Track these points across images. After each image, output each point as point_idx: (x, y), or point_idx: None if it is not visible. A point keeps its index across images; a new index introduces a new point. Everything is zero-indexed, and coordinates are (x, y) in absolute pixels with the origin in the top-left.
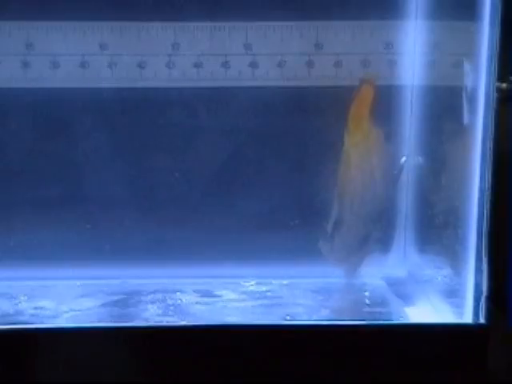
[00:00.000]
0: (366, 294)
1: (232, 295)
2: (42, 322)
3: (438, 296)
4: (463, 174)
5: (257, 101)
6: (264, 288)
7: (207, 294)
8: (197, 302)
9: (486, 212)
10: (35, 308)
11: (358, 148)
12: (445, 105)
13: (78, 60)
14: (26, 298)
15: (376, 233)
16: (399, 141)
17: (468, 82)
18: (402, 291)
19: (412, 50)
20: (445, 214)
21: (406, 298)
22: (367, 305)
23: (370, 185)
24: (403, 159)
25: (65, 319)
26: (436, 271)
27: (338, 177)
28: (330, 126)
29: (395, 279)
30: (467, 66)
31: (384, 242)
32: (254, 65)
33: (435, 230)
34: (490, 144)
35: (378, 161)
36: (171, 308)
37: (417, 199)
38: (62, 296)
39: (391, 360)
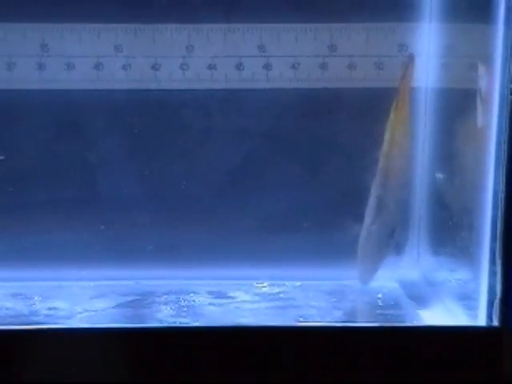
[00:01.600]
0: (379, 296)
1: (245, 297)
2: (56, 323)
3: (451, 298)
4: (477, 175)
5: (270, 102)
6: (277, 290)
7: (220, 295)
8: (210, 304)
9: (500, 214)
10: (49, 309)
11: (404, 125)
12: (459, 107)
13: (93, 62)
14: (40, 298)
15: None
16: (413, 143)
17: (482, 84)
18: (416, 293)
19: (426, 53)
20: (459, 215)
21: (420, 300)
22: (380, 307)
23: (408, 166)
24: None
25: (79, 320)
26: (450, 273)
27: (381, 155)
28: (343, 128)
29: (409, 281)
30: (482, 69)
31: (398, 244)
32: (267, 66)
33: (449, 231)
34: (504, 146)
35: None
36: (184, 309)
37: (431, 201)
38: (76, 297)
39: (404, 362)
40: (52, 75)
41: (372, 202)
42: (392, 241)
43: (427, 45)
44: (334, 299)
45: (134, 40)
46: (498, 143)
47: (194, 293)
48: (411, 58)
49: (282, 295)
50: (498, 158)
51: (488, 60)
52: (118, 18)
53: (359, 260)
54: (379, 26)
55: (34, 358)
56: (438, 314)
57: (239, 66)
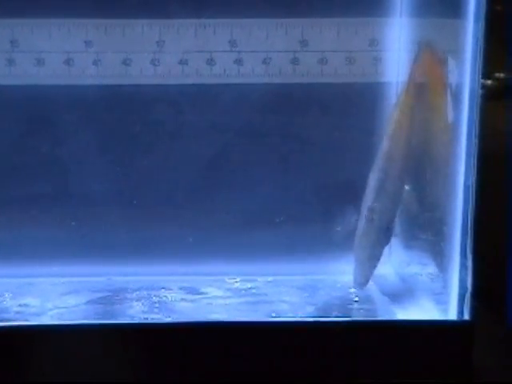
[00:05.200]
0: (352, 290)
1: (217, 292)
2: (27, 320)
3: (423, 293)
4: (448, 170)
5: (242, 98)
6: (249, 285)
7: (192, 291)
8: (182, 299)
9: (470, 209)
10: (20, 305)
11: (412, 112)
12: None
13: (63, 57)
14: (10, 295)
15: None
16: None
17: (453, 78)
18: (388, 288)
19: (397, 47)
20: (430, 210)
21: (392, 295)
22: (352, 302)
23: (411, 154)
24: None
25: (49, 316)
26: (421, 268)
27: (386, 140)
28: (314, 123)
29: (381, 276)
30: (452, 63)
31: None
32: (239, 62)
33: (420, 226)
34: (474, 141)
35: None
36: (156, 305)
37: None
38: (47, 293)
39: (375, 356)
40: (22, 71)
41: (370, 193)
42: (387, 237)
43: (398, 39)
44: (307, 294)
45: (105, 35)
46: (469, 137)
47: (166, 289)
48: (421, 46)
49: (254, 291)
50: (468, 152)
51: (459, 54)
52: (88, 13)
53: (356, 263)
54: (350, 21)
55: (2, 355)
56: (410, 309)
57: (210, 62)
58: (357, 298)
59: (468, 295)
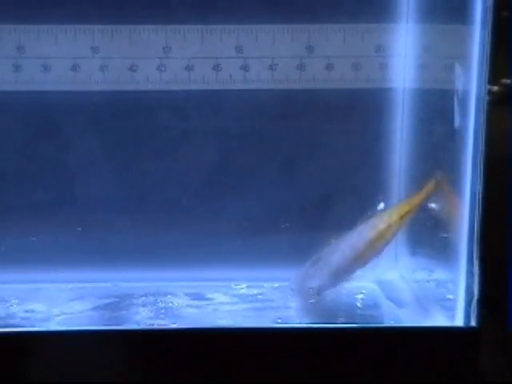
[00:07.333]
0: (358, 296)
1: (223, 298)
2: (34, 326)
3: (429, 299)
4: (454, 176)
5: (248, 103)
6: (255, 291)
7: (198, 297)
8: (188, 305)
9: (477, 215)
10: (26, 311)
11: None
12: (436, 108)
13: (70, 63)
14: (17, 301)
15: None
16: (390, 144)
17: (459, 84)
18: (394, 294)
19: (403, 53)
20: (436, 216)
21: (398, 301)
22: (359, 308)
23: None
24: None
25: (56, 322)
26: (428, 274)
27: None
28: (320, 129)
29: (387, 282)
30: (458, 69)
31: None
32: (245, 68)
33: (427, 232)
34: (481, 147)
35: None
36: (162, 311)
37: None
38: (54, 299)
39: (382, 363)
40: (28, 77)
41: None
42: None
43: (404, 45)
44: (313, 300)
45: (111, 41)
46: (475, 144)
47: (172, 295)
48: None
49: (260, 296)
50: (475, 158)
51: (465, 60)
52: (94, 19)
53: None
54: (356, 27)
55: (10, 360)
56: (416, 315)
57: (217, 67)
58: (362, 305)
59: (475, 302)
